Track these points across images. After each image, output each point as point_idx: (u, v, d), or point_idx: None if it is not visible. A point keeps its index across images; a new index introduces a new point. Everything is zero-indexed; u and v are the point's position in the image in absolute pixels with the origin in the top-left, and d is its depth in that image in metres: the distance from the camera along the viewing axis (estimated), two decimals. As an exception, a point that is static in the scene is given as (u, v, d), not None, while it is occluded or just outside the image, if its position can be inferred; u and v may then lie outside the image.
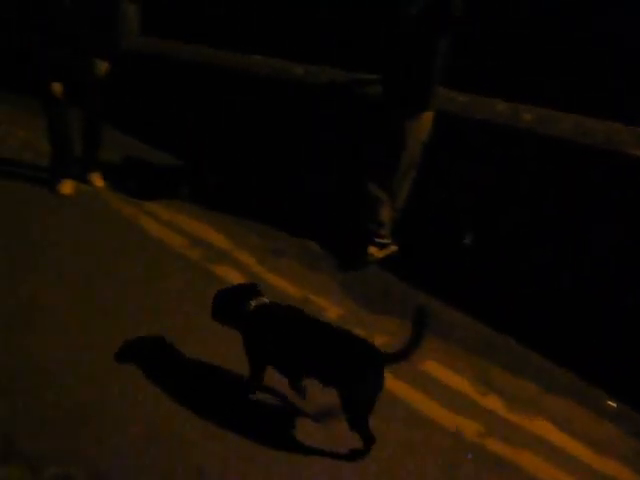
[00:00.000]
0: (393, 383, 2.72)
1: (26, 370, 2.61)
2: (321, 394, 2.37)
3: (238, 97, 5.15)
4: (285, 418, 2.48)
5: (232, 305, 2.44)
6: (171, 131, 5.72)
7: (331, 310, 3.25)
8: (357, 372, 2.15)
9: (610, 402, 2.75)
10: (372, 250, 3.76)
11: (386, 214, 3.70)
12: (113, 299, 3.18)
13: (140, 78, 6.11)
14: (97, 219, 4.14)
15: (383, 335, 3.04)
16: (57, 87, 4.13)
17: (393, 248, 3.84)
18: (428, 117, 3.46)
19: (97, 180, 4.69)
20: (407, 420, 2.54)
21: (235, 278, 3.43)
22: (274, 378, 2.48)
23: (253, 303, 2.40)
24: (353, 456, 2.29)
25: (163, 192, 4.61)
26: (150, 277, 3.42)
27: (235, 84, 5.17)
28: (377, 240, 3.76)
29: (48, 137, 4.46)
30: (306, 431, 2.41)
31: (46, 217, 4.10)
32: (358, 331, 3.02)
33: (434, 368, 2.87)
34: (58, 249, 3.66)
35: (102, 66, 4.27)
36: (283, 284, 3.45)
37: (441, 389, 2.74)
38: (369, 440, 2.24)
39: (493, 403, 2.68)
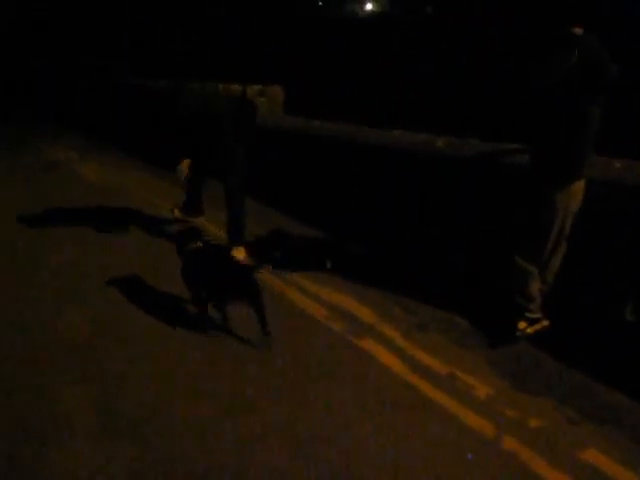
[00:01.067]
0: (550, 472, 2.55)
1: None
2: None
3: (378, 170, 5.31)
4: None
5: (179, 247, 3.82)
6: (313, 204, 6.00)
7: (479, 388, 3.13)
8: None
9: None
10: (522, 325, 3.61)
11: (536, 288, 3.56)
12: (257, 367, 3.31)
13: (283, 153, 6.55)
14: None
15: (538, 418, 2.87)
16: (185, 163, 4.93)
17: (544, 323, 3.65)
18: (579, 186, 3.34)
19: (238, 252, 4.96)
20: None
21: (380, 352, 3.46)
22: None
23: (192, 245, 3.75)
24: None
25: (307, 264, 4.80)
26: (294, 347, 3.53)
27: (375, 158, 5.35)
28: (527, 315, 3.61)
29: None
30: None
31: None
32: (510, 412, 2.92)
33: (596, 458, 2.62)
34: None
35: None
36: (428, 360, 3.39)
37: (606, 483, 2.50)
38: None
39: (670, 503, 2.39)
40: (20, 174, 7.82)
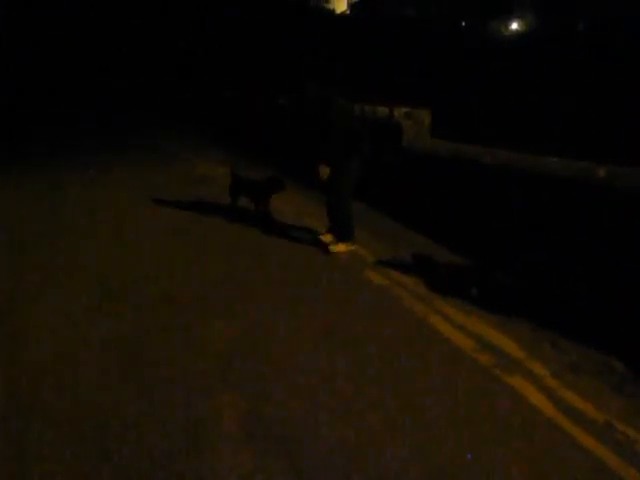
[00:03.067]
0: None
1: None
2: None
3: (530, 198, 5.11)
4: None
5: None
6: (459, 229, 5.91)
7: (640, 442, 2.90)
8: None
9: None
10: (692, 378, 3.29)
11: None
12: (394, 390, 3.28)
13: (430, 176, 6.51)
14: (386, 311, 4.36)
15: None
16: (324, 171, 5.35)
17: None
18: None
19: (338, 248, 5.65)
20: None
21: (528, 391, 3.31)
22: None
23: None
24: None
25: (451, 290, 4.73)
26: (438, 376, 3.47)
27: (529, 186, 5.15)
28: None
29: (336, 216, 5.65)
30: None
31: (346, 305, 4.44)
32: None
33: None
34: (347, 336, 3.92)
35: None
36: (581, 404, 3.19)
37: None
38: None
39: None
40: (176, 187, 8.48)
